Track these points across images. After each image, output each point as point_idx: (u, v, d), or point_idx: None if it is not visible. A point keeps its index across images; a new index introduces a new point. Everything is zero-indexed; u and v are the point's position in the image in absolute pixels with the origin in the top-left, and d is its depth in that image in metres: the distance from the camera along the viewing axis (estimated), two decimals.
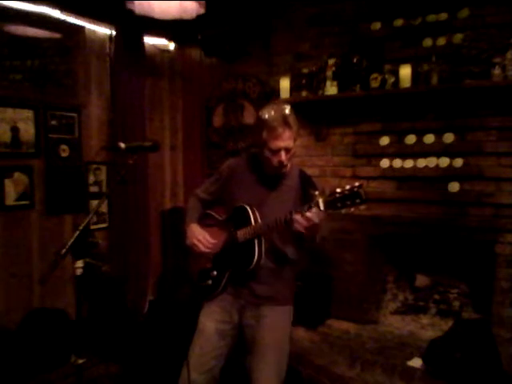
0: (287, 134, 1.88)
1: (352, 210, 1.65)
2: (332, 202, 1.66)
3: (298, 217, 1.73)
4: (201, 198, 2.22)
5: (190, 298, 3.22)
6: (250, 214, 1.94)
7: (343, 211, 1.66)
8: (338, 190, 1.66)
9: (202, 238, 2.07)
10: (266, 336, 1.99)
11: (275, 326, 2.01)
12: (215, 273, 2.07)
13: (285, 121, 1.87)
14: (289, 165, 1.99)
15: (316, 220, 1.70)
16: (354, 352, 3.12)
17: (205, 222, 2.17)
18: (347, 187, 1.65)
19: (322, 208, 1.68)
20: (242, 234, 1.97)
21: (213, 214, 2.18)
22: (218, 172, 2.20)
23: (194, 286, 2.18)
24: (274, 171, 1.98)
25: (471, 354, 2.70)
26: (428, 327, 3.46)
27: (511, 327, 2.98)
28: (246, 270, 1.93)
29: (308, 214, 1.70)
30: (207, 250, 2.06)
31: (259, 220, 1.93)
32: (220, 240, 2.07)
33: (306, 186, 1.94)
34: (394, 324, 3.58)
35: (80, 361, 1.78)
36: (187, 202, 2.31)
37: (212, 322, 2.06)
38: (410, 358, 2.98)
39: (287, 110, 1.91)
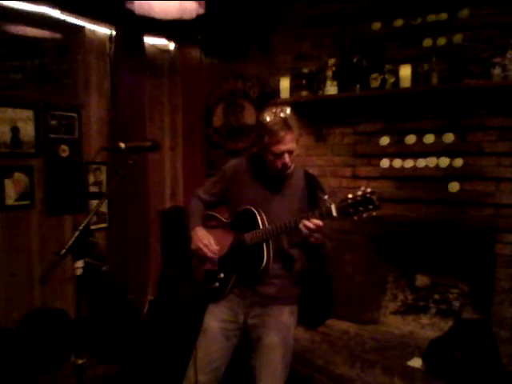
0: (289, 137, 1.89)
1: (364, 216, 1.66)
2: (344, 208, 1.68)
3: (306, 221, 1.74)
4: (203, 199, 2.20)
5: (188, 298, 3.23)
6: (258, 217, 1.94)
7: (355, 217, 1.67)
8: (350, 196, 1.67)
9: (207, 242, 2.05)
10: (271, 335, 1.99)
11: (280, 326, 2.01)
12: (222, 275, 2.07)
13: (286, 124, 1.87)
14: (292, 166, 2.00)
15: (321, 224, 1.71)
16: (354, 352, 3.12)
17: (208, 223, 2.16)
18: (359, 193, 1.67)
19: (334, 214, 1.69)
20: (249, 237, 1.96)
21: (216, 215, 2.17)
22: (220, 172, 2.18)
23: (201, 288, 2.17)
24: (277, 173, 1.99)
25: (471, 353, 2.70)
26: (428, 327, 3.46)
27: (511, 327, 2.98)
28: (255, 273, 1.94)
29: (314, 219, 1.71)
30: (213, 255, 2.05)
31: (267, 223, 1.93)
32: (226, 243, 2.07)
33: (314, 188, 1.95)
34: (394, 324, 3.58)
35: (80, 361, 1.79)
36: (188, 202, 2.28)
37: (216, 321, 2.06)
38: (410, 358, 2.98)
39: (287, 112, 1.91)
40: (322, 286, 3.62)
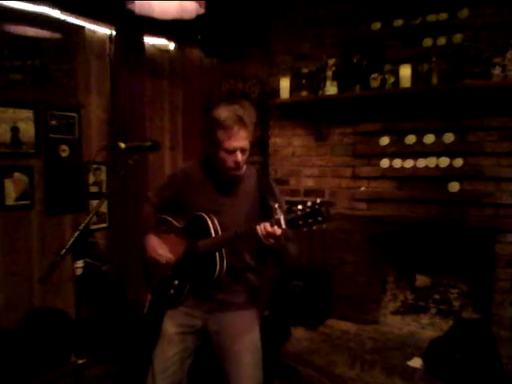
0: (243, 133, 1.81)
1: (314, 228, 1.59)
2: (293, 220, 1.61)
3: (258, 230, 1.69)
4: (154, 204, 2.14)
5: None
6: (210, 224, 1.88)
7: (305, 229, 1.61)
8: (300, 207, 1.60)
9: (162, 252, 2.01)
10: (235, 342, 1.96)
11: (243, 331, 1.98)
12: (177, 282, 2.02)
13: (240, 120, 1.80)
14: (244, 167, 1.93)
15: (278, 232, 1.65)
16: (354, 352, 3.12)
17: (161, 228, 2.10)
18: (308, 204, 1.59)
19: (283, 226, 1.63)
20: (202, 245, 1.91)
21: (169, 219, 2.10)
22: (172, 177, 2.13)
23: (156, 294, 2.14)
24: (228, 175, 1.91)
25: (471, 354, 2.70)
26: (428, 327, 3.47)
27: (511, 327, 2.98)
28: (209, 281, 1.90)
29: (269, 229, 1.66)
30: (168, 264, 2.01)
31: (219, 231, 1.87)
32: (179, 248, 2.01)
33: (265, 194, 1.88)
34: (394, 324, 3.58)
35: (80, 361, 1.78)
36: (143, 207, 2.20)
37: (173, 327, 2.03)
38: (410, 358, 2.98)
39: (242, 109, 1.83)
40: (322, 285, 3.63)
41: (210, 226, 1.89)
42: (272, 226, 1.66)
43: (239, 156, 1.84)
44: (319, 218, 1.58)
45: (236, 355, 1.95)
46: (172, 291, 2.04)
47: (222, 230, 1.87)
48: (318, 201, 1.59)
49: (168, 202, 2.10)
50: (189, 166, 2.10)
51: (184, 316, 2.03)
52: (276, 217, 1.65)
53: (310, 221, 1.58)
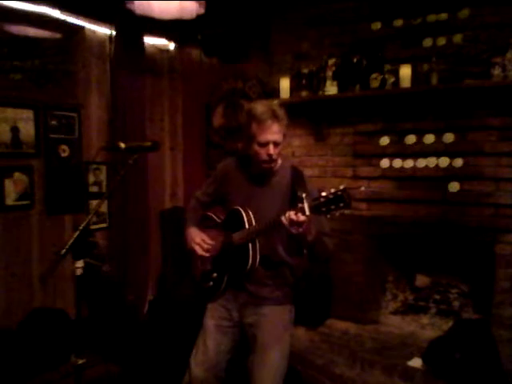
0: (276, 127, 1.90)
1: (337, 214, 1.65)
2: (317, 207, 1.67)
3: (283, 219, 1.75)
4: (200, 200, 2.26)
5: (188, 298, 3.23)
6: (244, 216, 1.96)
7: (328, 216, 1.67)
8: (323, 194, 1.66)
9: (199, 241, 2.11)
10: (265, 335, 2.00)
11: (274, 325, 2.02)
12: (215, 275, 2.10)
13: (274, 114, 1.89)
14: (279, 161, 2.01)
15: (301, 219, 1.71)
16: (354, 352, 3.12)
17: (204, 224, 2.21)
18: (332, 190, 1.65)
19: (307, 213, 1.69)
20: (237, 237, 1.99)
21: (211, 215, 2.20)
22: (213, 173, 2.24)
23: (197, 287, 2.21)
24: (262, 168, 1.99)
25: (471, 354, 2.70)
26: (428, 327, 3.46)
27: (511, 327, 2.98)
28: (243, 273, 1.96)
29: (292, 216, 1.71)
30: (206, 254, 2.10)
31: (253, 222, 1.94)
32: (218, 242, 2.10)
33: (296, 186, 1.94)
34: (394, 324, 3.58)
35: (80, 361, 1.79)
36: (188, 202, 2.33)
37: (213, 319, 2.10)
38: (410, 358, 2.98)
39: (276, 105, 1.95)
40: (322, 285, 3.62)
41: (244, 218, 1.96)
42: (296, 213, 1.72)
43: (271, 149, 1.91)
44: (341, 204, 1.64)
45: (263, 349, 2.00)
46: (211, 283, 2.11)
47: (255, 221, 1.94)
48: (341, 187, 1.65)
49: (212, 197, 2.21)
50: (227, 163, 2.19)
51: (222, 309, 2.09)
52: (300, 205, 1.70)
53: (333, 207, 1.64)
